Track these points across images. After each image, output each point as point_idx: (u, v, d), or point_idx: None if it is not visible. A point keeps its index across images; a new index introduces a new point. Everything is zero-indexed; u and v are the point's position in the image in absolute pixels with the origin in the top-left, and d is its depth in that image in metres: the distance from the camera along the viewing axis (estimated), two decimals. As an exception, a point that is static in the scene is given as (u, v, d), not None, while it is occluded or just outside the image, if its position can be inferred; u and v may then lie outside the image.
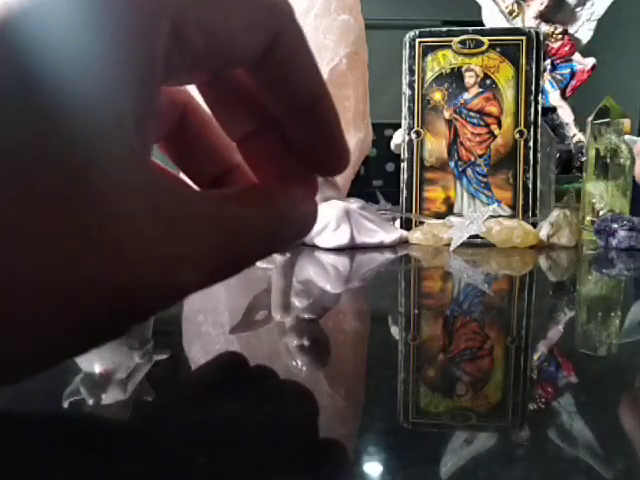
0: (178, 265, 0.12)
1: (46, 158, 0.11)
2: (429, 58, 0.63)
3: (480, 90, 0.62)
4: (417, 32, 0.64)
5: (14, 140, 0.11)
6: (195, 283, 0.13)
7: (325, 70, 0.56)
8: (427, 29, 0.64)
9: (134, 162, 0.12)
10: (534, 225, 0.57)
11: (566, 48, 1.01)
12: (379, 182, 1.33)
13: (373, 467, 0.12)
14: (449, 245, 0.54)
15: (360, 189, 0.73)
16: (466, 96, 0.63)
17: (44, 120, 0.11)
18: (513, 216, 0.60)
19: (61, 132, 0.11)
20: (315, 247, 0.53)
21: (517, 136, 0.62)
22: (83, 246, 0.11)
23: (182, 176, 0.18)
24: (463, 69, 0.63)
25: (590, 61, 1.02)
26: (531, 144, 0.61)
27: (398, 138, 0.80)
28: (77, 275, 0.11)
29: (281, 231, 0.16)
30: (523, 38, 0.62)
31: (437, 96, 0.63)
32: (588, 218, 0.62)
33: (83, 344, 0.13)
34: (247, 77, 0.16)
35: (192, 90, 0.18)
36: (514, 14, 1.01)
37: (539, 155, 0.62)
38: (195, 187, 0.18)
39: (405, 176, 0.64)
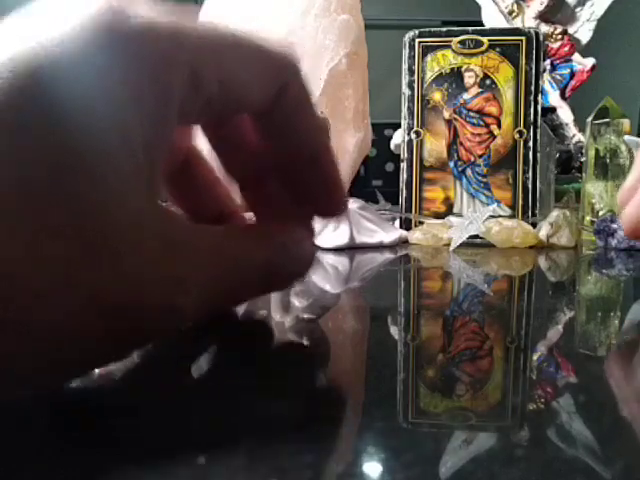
0: (176, 287, 0.13)
1: (59, 180, 0.11)
2: (429, 58, 0.63)
3: (480, 90, 0.62)
4: (417, 32, 0.64)
5: (34, 166, 0.11)
6: (193, 308, 0.14)
7: (325, 70, 0.56)
8: (427, 29, 0.64)
9: (142, 189, 0.13)
10: (534, 225, 0.57)
11: (566, 48, 1.01)
12: (379, 182, 1.33)
13: (373, 467, 0.12)
14: (449, 245, 0.54)
15: (360, 189, 0.73)
16: (466, 96, 0.63)
17: (62, 149, 0.12)
18: (513, 216, 0.60)
19: (76, 158, 0.12)
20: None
21: (517, 136, 0.62)
22: (85, 261, 0.11)
23: None
24: (463, 69, 0.63)
25: (590, 61, 1.02)
26: (531, 144, 0.61)
27: (398, 138, 0.80)
28: (77, 291, 0.11)
29: (280, 269, 0.16)
30: (523, 38, 0.62)
31: (437, 96, 0.63)
32: (588, 218, 0.62)
33: (83, 365, 0.13)
34: (253, 124, 0.17)
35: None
36: (514, 14, 1.01)
37: (539, 155, 0.62)
38: None
39: (405, 176, 0.64)
